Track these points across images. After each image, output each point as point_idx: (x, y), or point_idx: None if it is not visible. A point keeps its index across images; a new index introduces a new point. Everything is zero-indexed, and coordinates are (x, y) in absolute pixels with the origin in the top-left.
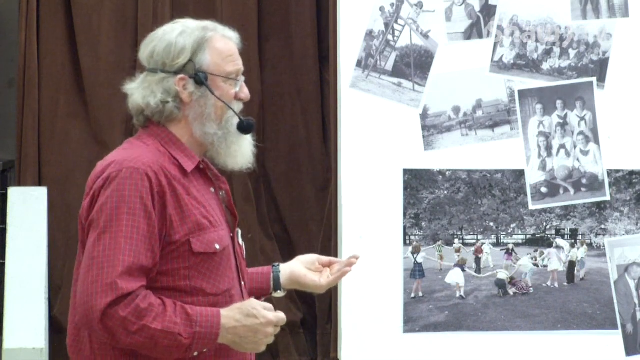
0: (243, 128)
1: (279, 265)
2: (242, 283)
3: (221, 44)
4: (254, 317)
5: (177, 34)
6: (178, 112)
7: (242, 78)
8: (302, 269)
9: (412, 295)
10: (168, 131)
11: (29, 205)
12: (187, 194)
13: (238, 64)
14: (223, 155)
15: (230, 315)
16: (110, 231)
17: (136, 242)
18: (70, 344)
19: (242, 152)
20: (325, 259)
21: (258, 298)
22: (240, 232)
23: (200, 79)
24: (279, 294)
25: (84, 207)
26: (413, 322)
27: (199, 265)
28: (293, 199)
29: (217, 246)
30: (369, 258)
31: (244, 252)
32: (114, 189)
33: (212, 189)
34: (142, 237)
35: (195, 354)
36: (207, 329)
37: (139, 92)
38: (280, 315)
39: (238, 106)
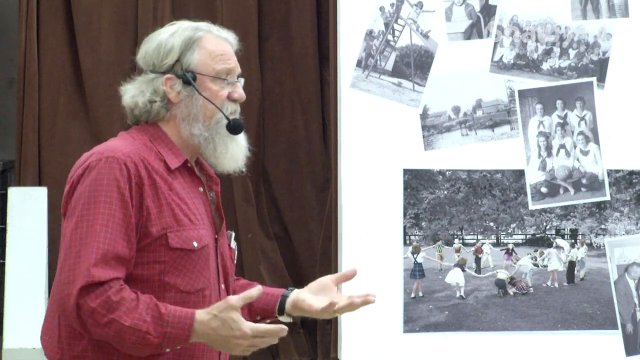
0: (232, 129)
1: (292, 289)
2: (222, 286)
3: (212, 43)
4: (230, 328)
5: (169, 34)
6: (166, 112)
7: (241, 80)
8: (304, 293)
9: (412, 295)
10: (158, 128)
11: (29, 205)
12: (168, 189)
13: (229, 63)
14: (210, 156)
15: (205, 320)
16: (87, 219)
17: (112, 230)
18: (43, 331)
19: (229, 154)
20: (337, 275)
21: (263, 319)
22: (233, 235)
23: (187, 78)
24: (284, 318)
25: (64, 195)
26: (413, 322)
27: (175, 261)
28: (293, 199)
29: (195, 244)
30: (369, 258)
31: (235, 256)
32: (92, 177)
33: (201, 189)
34: (118, 225)
35: (167, 350)
36: (178, 331)
37: (130, 91)
38: (260, 328)
39: (232, 107)
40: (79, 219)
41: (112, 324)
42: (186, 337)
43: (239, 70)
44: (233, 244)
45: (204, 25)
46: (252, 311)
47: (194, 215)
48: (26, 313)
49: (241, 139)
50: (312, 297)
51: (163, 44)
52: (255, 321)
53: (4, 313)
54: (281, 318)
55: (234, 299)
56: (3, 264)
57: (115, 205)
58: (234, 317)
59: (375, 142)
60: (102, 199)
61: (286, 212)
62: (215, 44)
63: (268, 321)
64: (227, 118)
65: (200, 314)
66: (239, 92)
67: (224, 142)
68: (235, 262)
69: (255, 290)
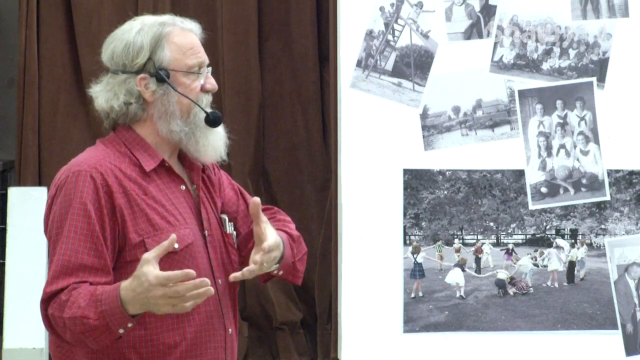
0: (210, 121)
1: None
2: (219, 281)
3: (180, 37)
4: (141, 282)
5: (135, 32)
6: (142, 112)
7: (208, 69)
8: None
9: (412, 295)
10: (133, 132)
11: (29, 205)
12: (143, 194)
13: (200, 56)
14: (192, 150)
15: (127, 284)
16: (58, 238)
17: (73, 241)
18: (51, 338)
19: (212, 145)
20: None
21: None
22: (227, 219)
23: (162, 76)
24: (273, 268)
25: (44, 218)
26: (413, 322)
27: (159, 265)
28: (293, 199)
29: (176, 245)
30: (369, 258)
31: (233, 241)
32: (62, 196)
33: (183, 187)
34: (82, 236)
35: (121, 331)
36: (110, 305)
37: (103, 95)
38: (164, 274)
39: (206, 99)
40: (54, 240)
41: (63, 322)
42: (118, 309)
43: (207, 60)
44: (229, 229)
45: (168, 18)
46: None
47: (173, 217)
48: (26, 313)
49: (220, 129)
50: (254, 253)
51: (131, 43)
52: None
53: (4, 313)
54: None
55: (148, 253)
56: (3, 264)
57: (79, 217)
58: (144, 270)
59: (375, 142)
60: (69, 215)
61: (286, 212)
62: (184, 38)
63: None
64: (206, 112)
65: (125, 281)
66: (212, 82)
67: (204, 135)
68: (236, 245)
69: (168, 242)
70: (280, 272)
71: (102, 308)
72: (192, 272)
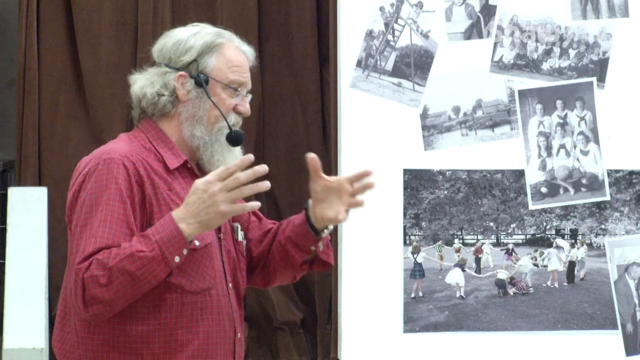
0: (231, 140)
1: (307, 206)
2: (230, 285)
3: (231, 52)
4: (197, 189)
5: (190, 34)
6: (171, 107)
7: (249, 96)
8: (317, 209)
9: (412, 295)
10: (158, 128)
11: (29, 205)
12: (168, 189)
13: (243, 77)
14: (206, 162)
15: (182, 205)
16: (88, 222)
17: (110, 224)
18: (56, 338)
19: (224, 164)
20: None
21: (310, 257)
22: (239, 227)
23: (200, 80)
24: (326, 232)
25: (67, 205)
26: (413, 322)
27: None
28: (293, 199)
29: (197, 242)
30: (369, 258)
31: (244, 249)
32: (92, 182)
33: None
34: (118, 220)
35: (177, 259)
36: (166, 232)
37: (140, 81)
38: (221, 167)
39: (235, 118)
40: (83, 225)
41: (111, 274)
42: (176, 231)
43: (250, 85)
44: (240, 237)
45: (226, 33)
46: (297, 250)
47: None
48: (26, 313)
49: (237, 151)
50: (325, 208)
51: (183, 42)
52: (306, 262)
53: (4, 313)
54: (323, 235)
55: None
56: (3, 264)
57: (114, 201)
58: (199, 178)
59: (375, 142)
60: (104, 199)
61: (286, 212)
62: (234, 54)
63: (313, 248)
64: (230, 128)
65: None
66: (246, 106)
67: (221, 151)
68: (244, 254)
69: (241, 159)
70: (321, 247)
71: (156, 237)
72: (250, 156)
